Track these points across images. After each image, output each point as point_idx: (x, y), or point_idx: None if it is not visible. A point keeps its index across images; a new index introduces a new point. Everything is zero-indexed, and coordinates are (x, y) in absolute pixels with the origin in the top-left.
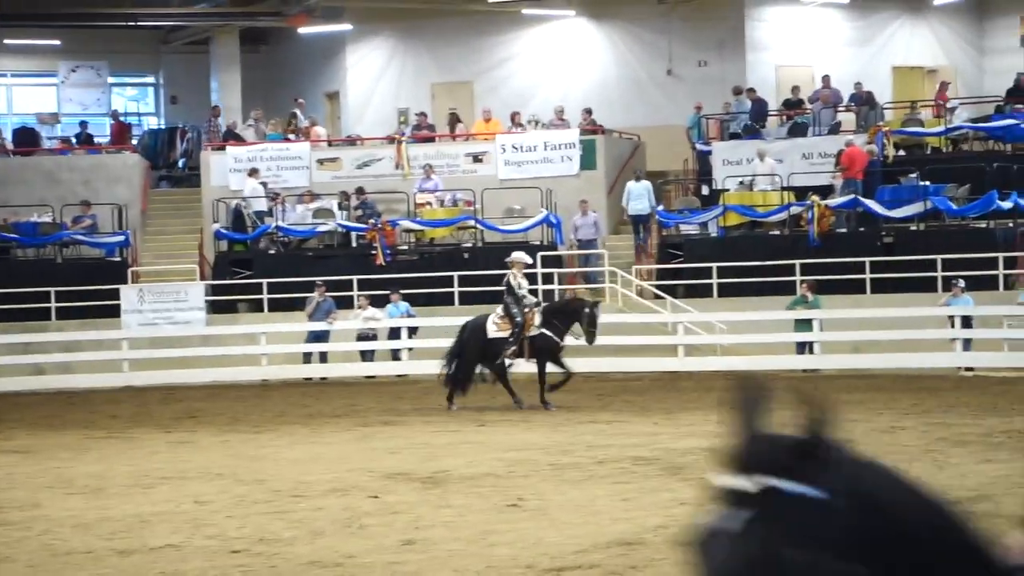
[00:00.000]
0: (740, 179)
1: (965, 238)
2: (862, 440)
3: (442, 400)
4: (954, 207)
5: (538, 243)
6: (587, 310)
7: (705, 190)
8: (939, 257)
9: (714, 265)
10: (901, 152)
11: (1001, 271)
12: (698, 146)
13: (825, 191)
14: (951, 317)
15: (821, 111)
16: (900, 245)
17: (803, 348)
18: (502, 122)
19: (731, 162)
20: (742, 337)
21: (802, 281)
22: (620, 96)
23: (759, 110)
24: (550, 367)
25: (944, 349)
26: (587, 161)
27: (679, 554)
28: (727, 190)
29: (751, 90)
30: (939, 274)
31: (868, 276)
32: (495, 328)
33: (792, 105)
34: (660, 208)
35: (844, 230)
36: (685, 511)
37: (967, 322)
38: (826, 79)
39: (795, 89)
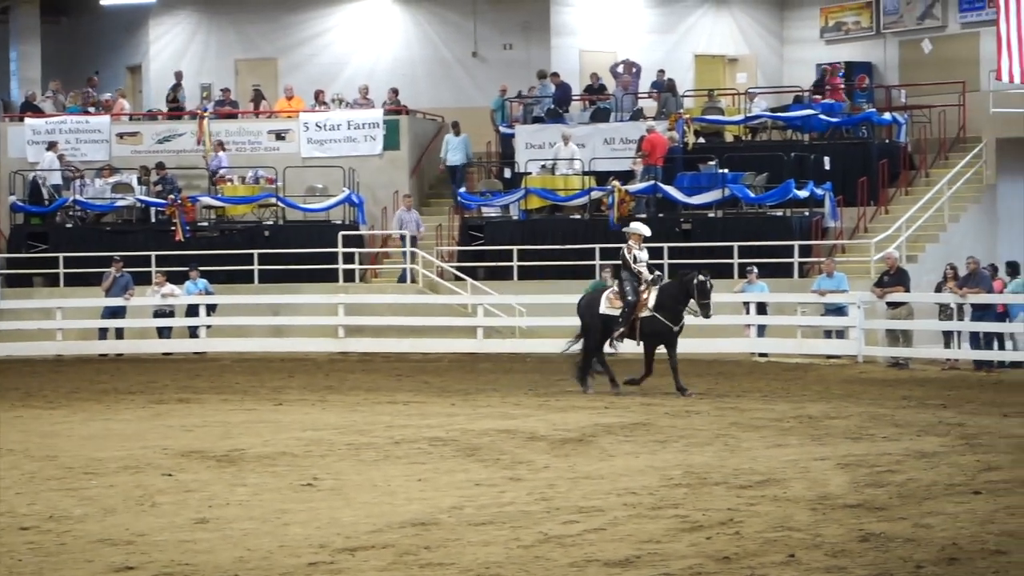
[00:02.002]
0: (542, 163)
1: (762, 226)
2: (658, 423)
3: (236, 379)
4: (752, 195)
5: (339, 223)
6: (696, 280)
7: (507, 173)
8: (736, 244)
9: (515, 248)
10: (701, 140)
11: (796, 259)
12: (502, 129)
13: (626, 176)
14: (746, 303)
15: (623, 97)
16: (698, 231)
17: None
18: (306, 100)
19: (534, 146)
20: (541, 320)
21: (602, 266)
22: (426, 77)
23: (563, 94)
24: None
25: (738, 335)
26: (391, 141)
27: (473, 534)
28: (529, 173)
29: (555, 74)
30: (736, 261)
31: (666, 261)
32: (607, 304)
33: (595, 91)
34: (463, 190)
35: (644, 215)
36: (479, 492)
37: (762, 309)
38: (627, 64)
39: (594, 76)
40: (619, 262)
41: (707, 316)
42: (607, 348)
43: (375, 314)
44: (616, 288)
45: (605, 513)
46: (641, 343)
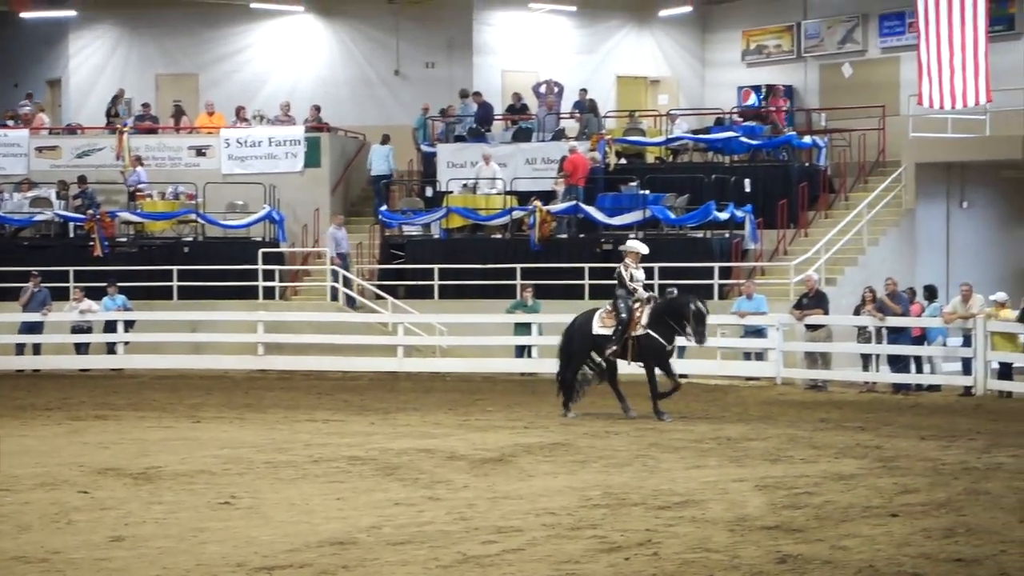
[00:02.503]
0: (464, 182)
1: (682, 247)
2: (577, 444)
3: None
4: (672, 216)
5: (260, 239)
6: (692, 306)
7: (429, 191)
8: (656, 265)
9: (436, 267)
10: (623, 160)
11: (716, 281)
12: (423, 147)
13: (547, 196)
14: None
15: (545, 117)
16: (619, 252)
17: (521, 352)
18: (227, 116)
19: (455, 164)
20: (461, 339)
21: (523, 285)
22: (348, 94)
23: (485, 114)
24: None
25: None
26: (312, 158)
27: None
28: (451, 192)
29: (477, 93)
30: (656, 282)
31: (587, 282)
32: (600, 324)
33: (517, 110)
34: (384, 208)
35: (565, 236)
36: (398, 511)
37: None
38: (550, 84)
39: (516, 95)
40: (615, 280)
41: (701, 343)
42: (589, 368)
43: (295, 332)
44: (610, 307)
45: (524, 533)
46: (632, 363)
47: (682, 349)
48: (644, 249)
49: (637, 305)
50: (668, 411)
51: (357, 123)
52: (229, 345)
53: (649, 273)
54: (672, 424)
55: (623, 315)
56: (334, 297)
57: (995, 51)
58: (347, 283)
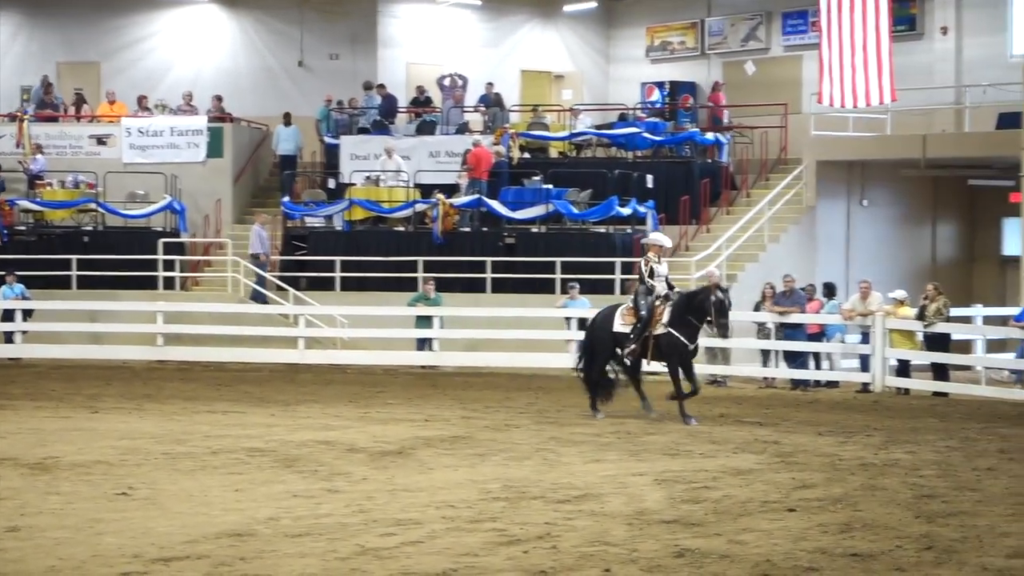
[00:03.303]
0: (367, 174)
1: (585, 242)
2: (478, 437)
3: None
4: (575, 211)
5: (160, 229)
6: (713, 297)
7: (332, 183)
8: (559, 260)
9: (338, 259)
10: (526, 155)
11: (618, 276)
12: (326, 139)
13: (451, 190)
14: (568, 319)
15: (449, 110)
16: (521, 246)
17: (423, 344)
18: (129, 105)
19: (359, 156)
20: (363, 332)
21: (425, 278)
22: (250, 85)
23: (388, 106)
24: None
25: (560, 350)
26: (214, 149)
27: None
28: (354, 184)
29: (381, 86)
30: (558, 276)
31: (489, 276)
32: (621, 321)
33: (421, 103)
34: (286, 199)
35: (467, 229)
36: (297, 503)
37: (583, 324)
38: (454, 78)
39: (420, 88)
40: (635, 276)
41: (724, 336)
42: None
43: (195, 322)
44: (631, 303)
45: (423, 526)
46: (652, 362)
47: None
48: (667, 242)
49: (658, 302)
50: (692, 415)
51: (260, 114)
52: (128, 335)
53: (550, 268)
54: (572, 418)
55: (643, 312)
56: (258, 297)
57: (897, 51)
58: (262, 282)
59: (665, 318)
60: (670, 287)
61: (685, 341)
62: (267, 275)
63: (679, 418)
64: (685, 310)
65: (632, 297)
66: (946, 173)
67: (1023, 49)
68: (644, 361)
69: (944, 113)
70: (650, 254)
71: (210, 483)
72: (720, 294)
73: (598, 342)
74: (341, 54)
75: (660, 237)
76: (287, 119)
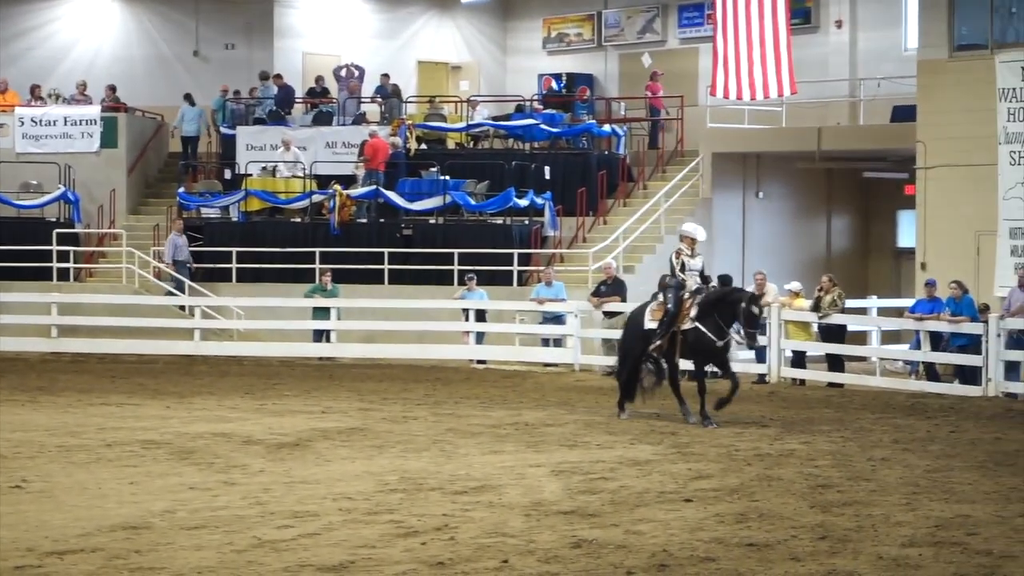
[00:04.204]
0: (263, 165)
1: (482, 233)
2: (375, 429)
3: None
4: (472, 203)
5: (54, 220)
6: (744, 305)
7: (228, 174)
8: (456, 251)
9: (234, 250)
10: (423, 146)
11: (516, 267)
12: (222, 129)
13: (348, 181)
14: (465, 310)
15: (346, 101)
16: (419, 238)
17: (320, 336)
18: (21, 94)
19: (255, 147)
20: (259, 323)
21: (322, 269)
22: (145, 75)
23: (285, 96)
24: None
25: (457, 342)
26: (108, 139)
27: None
28: (250, 175)
29: (278, 76)
30: (455, 268)
31: (387, 267)
32: (649, 317)
33: (317, 94)
34: (181, 190)
35: (364, 220)
36: (193, 495)
37: (480, 316)
38: (351, 68)
39: (318, 79)
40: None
41: (751, 347)
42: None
43: (89, 314)
44: (661, 298)
45: (320, 518)
46: (682, 359)
47: (480, 335)
48: (701, 235)
49: (687, 296)
50: (714, 416)
51: (155, 103)
52: (22, 327)
53: (447, 259)
54: (470, 409)
55: (670, 307)
56: (181, 291)
57: (792, 44)
58: (181, 287)
59: (693, 313)
60: (705, 282)
61: (713, 337)
62: (187, 281)
63: (700, 417)
64: (714, 306)
65: (661, 292)
66: (841, 166)
67: (917, 43)
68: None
69: (839, 106)
70: (682, 246)
71: (105, 476)
72: (755, 308)
73: (629, 340)
74: (237, 44)
75: (693, 228)
76: (190, 99)
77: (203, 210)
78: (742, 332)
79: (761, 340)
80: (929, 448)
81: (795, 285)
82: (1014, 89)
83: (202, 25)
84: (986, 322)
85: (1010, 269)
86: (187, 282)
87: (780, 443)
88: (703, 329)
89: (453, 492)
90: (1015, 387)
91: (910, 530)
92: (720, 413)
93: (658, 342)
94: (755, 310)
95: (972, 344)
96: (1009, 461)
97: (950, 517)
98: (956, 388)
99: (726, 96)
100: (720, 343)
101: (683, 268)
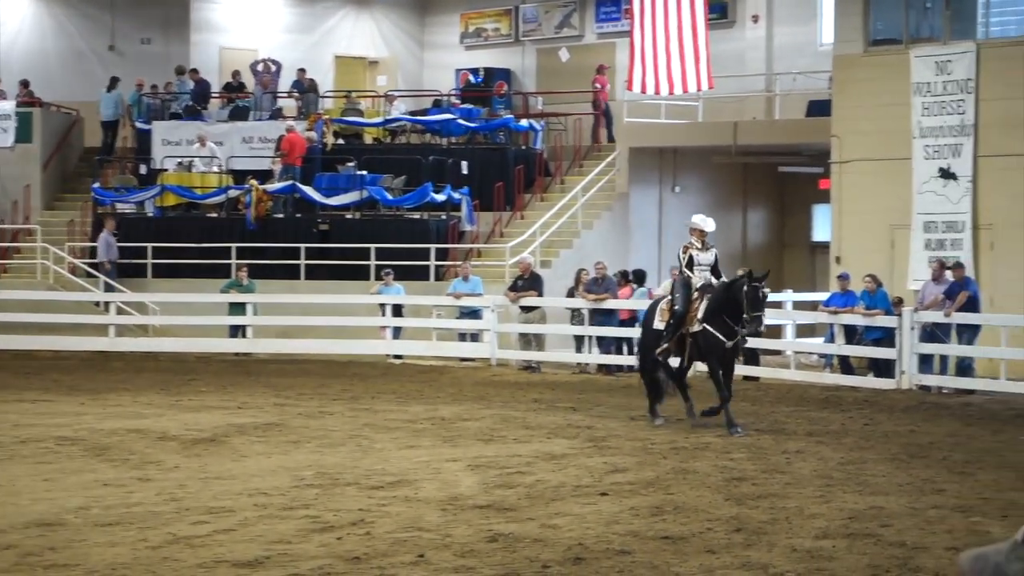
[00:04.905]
0: (179, 160)
1: (399, 228)
2: (291, 424)
3: None
4: (390, 197)
5: None
6: (746, 288)
7: (143, 169)
8: (373, 246)
9: (149, 245)
10: (340, 141)
11: (433, 262)
12: (138, 124)
13: (264, 176)
14: (382, 305)
15: (262, 96)
16: (336, 232)
17: (236, 331)
18: None
19: (171, 142)
20: (176, 319)
21: (238, 265)
22: (60, 69)
23: (201, 91)
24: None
25: (374, 337)
26: (23, 134)
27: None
28: (166, 170)
29: (194, 71)
30: (373, 263)
31: (303, 262)
32: (659, 317)
33: (234, 88)
34: (96, 185)
35: (281, 215)
36: (107, 492)
37: (398, 311)
38: (267, 63)
39: (235, 73)
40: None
41: (756, 332)
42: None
43: (3, 310)
44: (670, 297)
45: (235, 514)
46: (694, 363)
47: (397, 330)
48: (710, 226)
49: (696, 295)
50: (741, 425)
51: (70, 98)
52: None
53: (365, 254)
54: (386, 404)
55: (677, 307)
56: (110, 288)
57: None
58: (110, 288)
59: (700, 313)
60: (717, 277)
61: (723, 338)
62: (115, 284)
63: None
64: (721, 304)
65: (671, 290)
66: (757, 160)
67: (832, 38)
68: (678, 363)
69: (755, 101)
70: (692, 239)
71: (19, 472)
72: (754, 284)
73: (644, 339)
74: (153, 38)
75: (702, 220)
76: (112, 83)
77: (118, 205)
78: (746, 316)
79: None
80: (843, 441)
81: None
82: (928, 84)
83: (118, 19)
84: (900, 315)
85: (924, 262)
86: (116, 285)
87: (695, 436)
88: (711, 330)
89: (369, 487)
90: (929, 380)
91: (824, 522)
92: (706, 420)
93: (665, 345)
94: (757, 289)
95: (886, 337)
96: (922, 453)
97: (864, 509)
98: (870, 381)
99: (643, 91)
100: (729, 344)
101: (691, 263)
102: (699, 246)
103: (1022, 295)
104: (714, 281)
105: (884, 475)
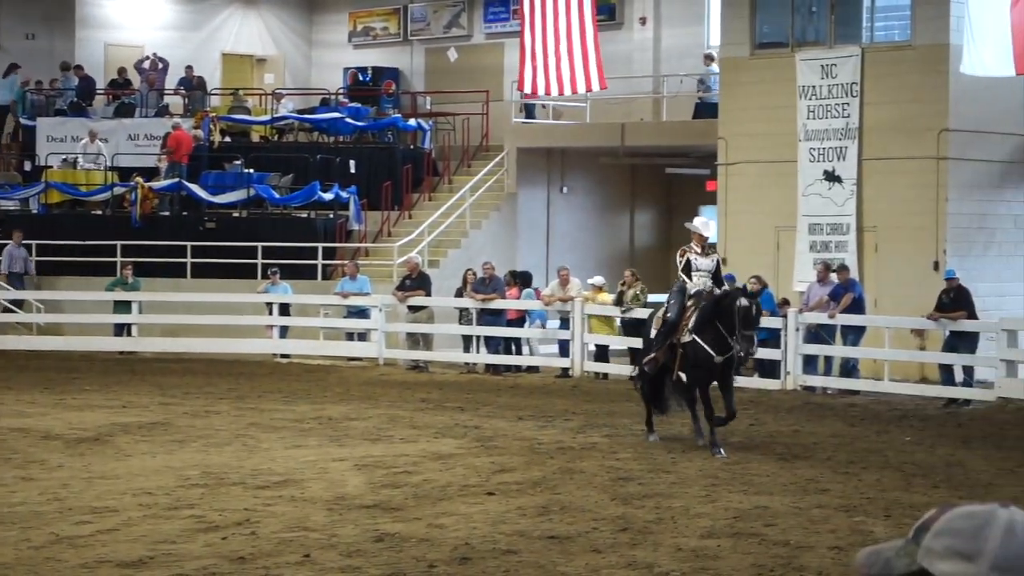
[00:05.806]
0: (64, 156)
1: (287, 227)
2: (177, 423)
3: None
4: (277, 196)
5: None
6: (738, 303)
7: (28, 166)
8: (260, 245)
9: (34, 243)
10: (227, 139)
11: (320, 261)
12: (22, 120)
13: (150, 173)
14: (269, 304)
15: (148, 93)
16: (222, 231)
17: (121, 330)
18: None
19: (56, 139)
20: (59, 317)
21: (123, 263)
22: None
23: (86, 88)
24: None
25: (260, 336)
26: None
27: None
28: (50, 167)
29: (79, 67)
30: (259, 261)
31: (189, 260)
32: (654, 326)
33: (120, 85)
34: None
35: (167, 213)
36: None
37: (284, 310)
38: (154, 60)
39: (121, 70)
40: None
41: (748, 352)
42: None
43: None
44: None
45: (119, 513)
46: (685, 376)
47: (284, 329)
48: (708, 231)
49: (690, 303)
50: (722, 447)
51: None
52: None
53: (251, 253)
54: (273, 403)
55: (670, 315)
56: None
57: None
58: (18, 303)
59: (691, 324)
60: (719, 284)
61: (711, 352)
62: (26, 296)
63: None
64: (712, 315)
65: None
66: (644, 162)
67: (719, 40)
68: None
69: (642, 102)
70: (693, 243)
71: None
72: (746, 301)
73: (645, 348)
74: (37, 34)
75: (702, 224)
76: (9, 70)
77: (1, 202)
78: (737, 335)
79: (563, 334)
80: (729, 440)
81: (598, 279)
82: (814, 87)
83: (2, 14)
84: (785, 316)
85: (809, 264)
86: (26, 298)
87: (582, 436)
88: (700, 342)
89: (255, 487)
90: (813, 380)
91: (709, 521)
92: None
93: (652, 355)
94: (749, 306)
95: (771, 338)
96: (807, 453)
97: (748, 508)
98: (755, 381)
99: (534, 92)
100: (719, 359)
101: (688, 268)
102: (698, 251)
103: (905, 297)
104: (717, 290)
105: (769, 475)
